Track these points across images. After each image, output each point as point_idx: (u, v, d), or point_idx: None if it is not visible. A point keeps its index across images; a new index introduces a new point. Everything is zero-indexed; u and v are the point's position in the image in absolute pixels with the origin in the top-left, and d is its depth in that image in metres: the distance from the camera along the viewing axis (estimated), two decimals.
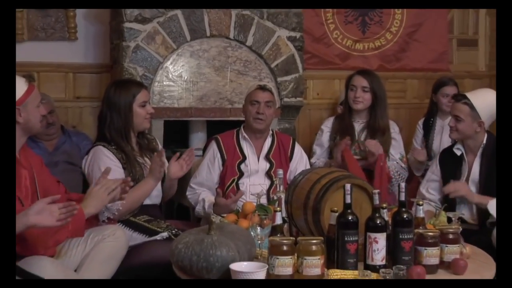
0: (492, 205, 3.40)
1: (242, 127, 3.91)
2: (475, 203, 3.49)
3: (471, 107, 3.53)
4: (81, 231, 2.89)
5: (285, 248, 2.45)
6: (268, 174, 3.83)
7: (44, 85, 4.75)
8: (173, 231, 3.31)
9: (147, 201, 3.47)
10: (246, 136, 3.85)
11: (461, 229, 2.88)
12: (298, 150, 3.99)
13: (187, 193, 3.81)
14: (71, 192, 3.20)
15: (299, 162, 3.94)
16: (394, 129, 4.29)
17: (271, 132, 3.95)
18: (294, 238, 2.55)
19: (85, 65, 4.89)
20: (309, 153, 4.54)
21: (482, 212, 3.46)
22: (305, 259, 2.45)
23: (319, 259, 2.46)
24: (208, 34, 4.51)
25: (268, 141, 3.90)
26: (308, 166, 3.95)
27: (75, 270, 2.89)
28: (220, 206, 3.45)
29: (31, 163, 2.93)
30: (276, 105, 3.95)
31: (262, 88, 3.85)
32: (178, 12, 4.42)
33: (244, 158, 3.82)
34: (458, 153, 3.67)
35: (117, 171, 3.28)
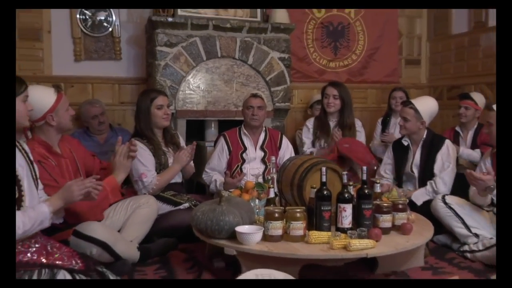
0: (414, 196, 3.40)
1: (242, 125, 3.89)
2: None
3: (416, 110, 3.52)
4: (119, 195, 2.89)
5: (276, 215, 2.46)
6: (263, 160, 3.80)
7: (97, 93, 4.74)
8: (193, 202, 3.30)
9: (172, 180, 3.46)
10: (246, 132, 3.83)
11: (407, 201, 2.88)
12: (285, 141, 3.95)
13: (203, 175, 3.79)
14: (104, 162, 3.20)
15: (286, 150, 3.91)
16: (358, 124, 4.28)
17: (264, 128, 3.92)
18: (283, 208, 2.56)
19: (127, 78, 4.85)
20: (293, 142, 4.55)
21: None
22: (292, 223, 2.46)
23: (302, 223, 2.47)
24: (219, 55, 4.48)
25: (262, 135, 3.87)
26: (292, 153, 3.93)
27: (119, 231, 2.87)
28: (229, 183, 3.43)
29: (70, 147, 2.87)
30: (266, 108, 3.92)
31: (255, 95, 3.83)
32: (197, 39, 4.39)
33: (245, 148, 3.80)
34: (405, 143, 3.66)
35: (148, 158, 3.27)
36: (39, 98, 2.63)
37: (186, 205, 3.26)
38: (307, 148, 4.25)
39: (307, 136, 4.31)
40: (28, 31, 4.54)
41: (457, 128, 4.27)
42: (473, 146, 4.13)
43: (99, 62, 4.76)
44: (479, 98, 4.24)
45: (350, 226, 2.55)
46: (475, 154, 4.03)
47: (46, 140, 2.72)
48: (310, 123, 4.35)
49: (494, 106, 2.92)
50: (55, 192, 2.32)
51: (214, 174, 3.73)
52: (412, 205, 2.97)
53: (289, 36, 4.70)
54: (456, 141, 4.09)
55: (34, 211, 2.08)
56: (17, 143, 2.22)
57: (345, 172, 2.65)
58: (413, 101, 3.62)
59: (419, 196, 3.41)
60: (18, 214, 2.03)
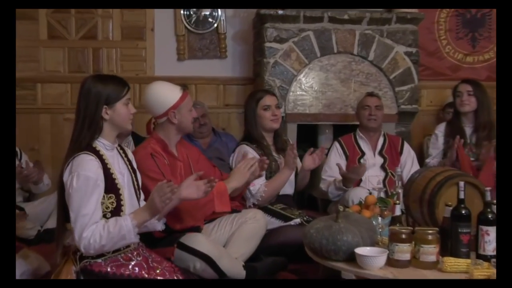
0: None
1: (358, 129, 3.88)
2: None
3: None
4: (227, 205, 2.88)
5: (404, 236, 2.37)
6: (383, 167, 3.76)
7: (200, 95, 4.89)
8: (305, 218, 3.30)
9: (282, 192, 3.48)
10: (362, 136, 3.82)
11: None
12: (407, 147, 3.89)
13: (320, 184, 3.76)
14: (225, 174, 3.21)
15: (408, 156, 3.84)
16: None
17: (383, 133, 3.90)
18: (411, 228, 2.47)
19: (232, 78, 4.97)
20: (420, 151, 4.48)
21: None
22: (422, 246, 2.36)
23: (434, 247, 2.35)
24: (335, 50, 4.47)
25: (381, 140, 3.85)
26: (415, 161, 3.85)
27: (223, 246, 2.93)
28: (346, 176, 3.46)
29: (188, 154, 3.00)
30: (383, 108, 3.88)
31: (371, 94, 3.85)
32: (310, 33, 4.41)
33: (363, 154, 3.78)
34: None
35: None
36: (164, 93, 2.83)
37: (297, 220, 3.26)
38: (431, 159, 4.01)
39: (434, 147, 4.07)
40: (131, 30, 4.84)
41: None
42: None
43: (203, 61, 4.92)
44: None
45: (494, 253, 2.39)
46: None
47: (164, 138, 2.88)
48: (440, 130, 4.08)
49: None
50: None
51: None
52: None
53: (417, 27, 4.57)
54: None
55: (116, 224, 2.15)
56: (120, 150, 2.37)
57: (489, 188, 2.50)
58: None
59: None
60: (99, 224, 2.13)
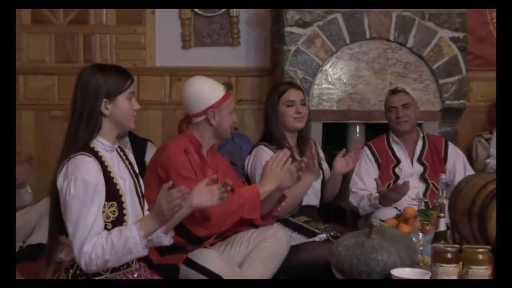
0: None
1: (390, 131, 3.88)
2: None
3: None
4: (257, 212, 2.96)
5: (449, 255, 2.36)
6: (423, 177, 3.76)
7: None
8: (331, 233, 3.31)
9: (306, 202, 3.50)
10: (397, 140, 3.82)
11: None
12: (452, 150, 3.88)
13: (350, 198, 3.78)
14: None
15: (456, 160, 3.83)
16: None
17: (422, 134, 3.89)
18: (458, 246, 2.45)
19: (246, 69, 5.00)
20: (468, 154, 4.46)
21: None
22: (471, 268, 2.35)
23: (486, 269, 2.34)
24: (367, 36, 4.48)
25: (420, 144, 3.85)
26: (467, 163, 3.85)
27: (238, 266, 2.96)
28: (385, 195, 3.45)
29: (218, 164, 3.08)
30: (416, 104, 3.88)
31: (395, 91, 3.83)
32: (338, 15, 4.42)
33: (398, 162, 3.78)
34: None
35: None
36: (205, 90, 2.96)
37: (323, 236, 3.29)
38: (493, 159, 4.04)
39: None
40: (128, 13, 4.86)
41: None
42: None
43: (212, 49, 4.95)
44: None
45: None
46: None
47: (198, 139, 2.98)
48: None
49: None
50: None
51: (366, 192, 3.71)
52: None
53: (464, 9, 4.55)
54: None
55: (120, 235, 2.16)
56: (120, 152, 2.41)
57: None
58: None
59: None
60: (101, 236, 2.16)
